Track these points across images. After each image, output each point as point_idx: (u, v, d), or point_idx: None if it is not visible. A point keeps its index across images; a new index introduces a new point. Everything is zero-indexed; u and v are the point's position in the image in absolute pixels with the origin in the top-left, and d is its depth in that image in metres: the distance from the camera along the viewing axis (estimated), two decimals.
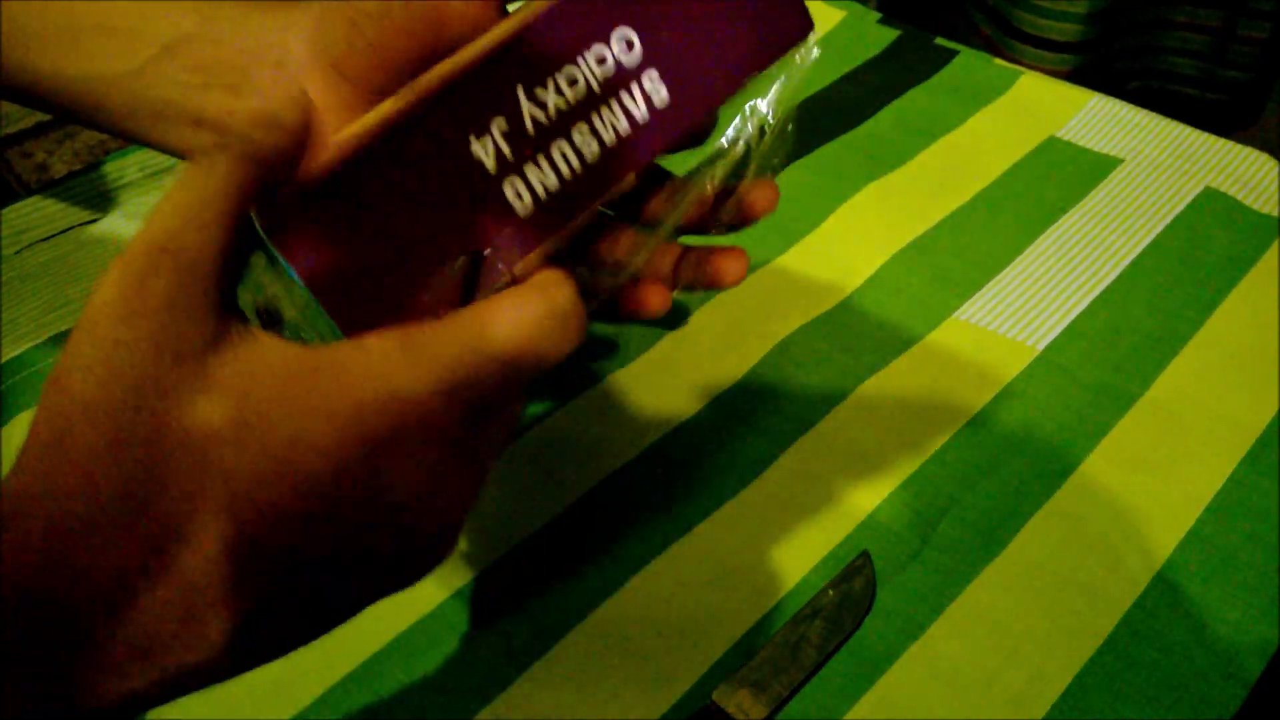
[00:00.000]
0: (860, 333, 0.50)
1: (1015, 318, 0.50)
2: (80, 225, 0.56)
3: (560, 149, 0.29)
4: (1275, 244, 0.54)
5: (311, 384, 0.24)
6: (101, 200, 0.57)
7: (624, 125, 0.29)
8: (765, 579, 0.40)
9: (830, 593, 0.39)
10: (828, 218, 0.56)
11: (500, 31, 0.28)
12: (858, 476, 0.43)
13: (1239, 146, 0.60)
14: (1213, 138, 0.60)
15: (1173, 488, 0.43)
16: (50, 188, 0.58)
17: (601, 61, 0.29)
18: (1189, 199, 0.56)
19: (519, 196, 0.28)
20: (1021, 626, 0.39)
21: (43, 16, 0.34)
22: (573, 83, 0.29)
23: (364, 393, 0.24)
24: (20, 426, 0.46)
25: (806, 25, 0.31)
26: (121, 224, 0.56)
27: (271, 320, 0.29)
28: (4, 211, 0.56)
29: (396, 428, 0.24)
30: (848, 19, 0.71)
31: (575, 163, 0.29)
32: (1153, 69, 1.31)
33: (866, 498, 0.43)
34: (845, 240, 0.55)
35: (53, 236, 0.55)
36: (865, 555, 0.40)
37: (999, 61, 0.67)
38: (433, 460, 0.25)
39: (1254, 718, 0.36)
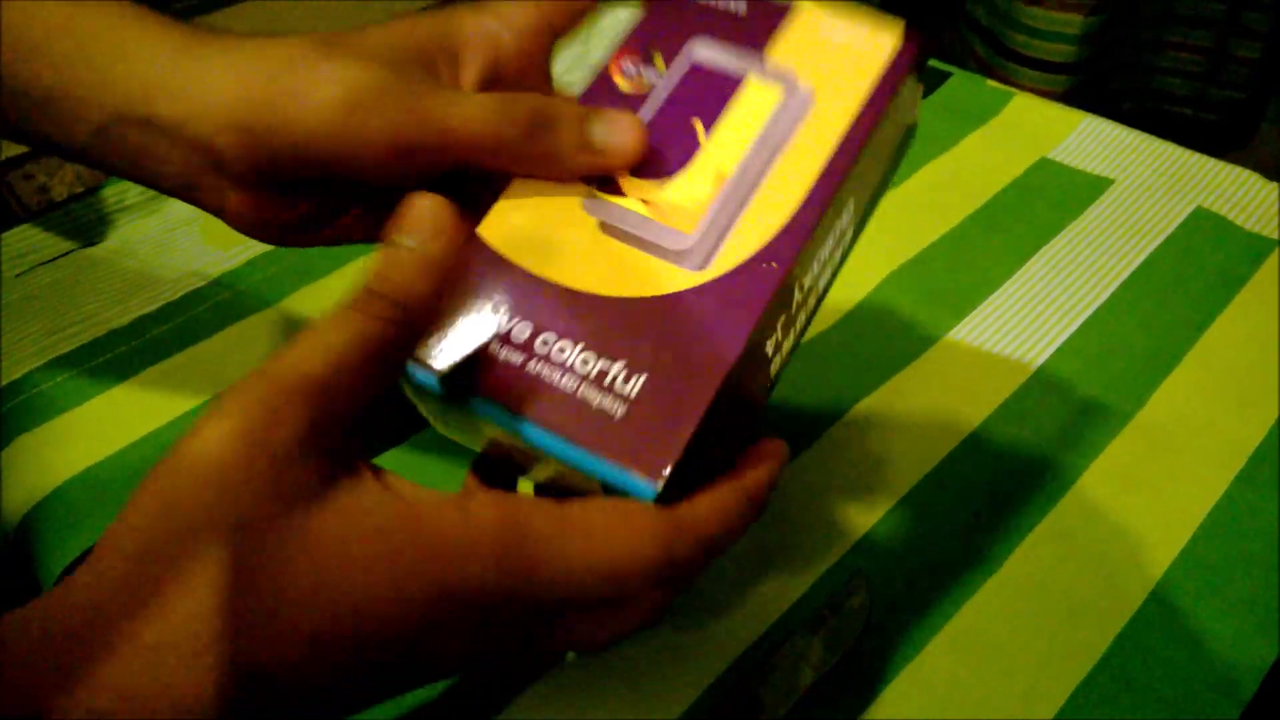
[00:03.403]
0: (855, 352, 0.50)
1: (1009, 337, 0.51)
2: (81, 248, 0.56)
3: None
4: (1266, 263, 0.54)
5: (400, 552, 0.25)
6: (102, 223, 0.58)
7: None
8: (762, 597, 0.40)
9: (827, 611, 0.39)
10: None
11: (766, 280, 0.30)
12: (853, 495, 0.44)
13: (1229, 166, 0.60)
14: (1203, 158, 0.61)
15: (1167, 505, 0.43)
16: (51, 210, 0.58)
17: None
18: (1180, 219, 0.57)
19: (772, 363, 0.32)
20: (1017, 644, 0.39)
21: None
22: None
23: (447, 575, 0.25)
24: (20, 449, 0.46)
25: None
26: (121, 247, 0.56)
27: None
28: (5, 234, 0.56)
29: (464, 614, 0.25)
30: None
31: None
32: (1147, 89, 1.32)
33: (862, 516, 0.43)
34: None
35: (54, 259, 0.55)
36: (861, 574, 0.40)
37: (991, 83, 0.68)
38: (490, 639, 0.26)
39: None
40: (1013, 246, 0.56)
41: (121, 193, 0.59)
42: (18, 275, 0.54)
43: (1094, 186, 0.59)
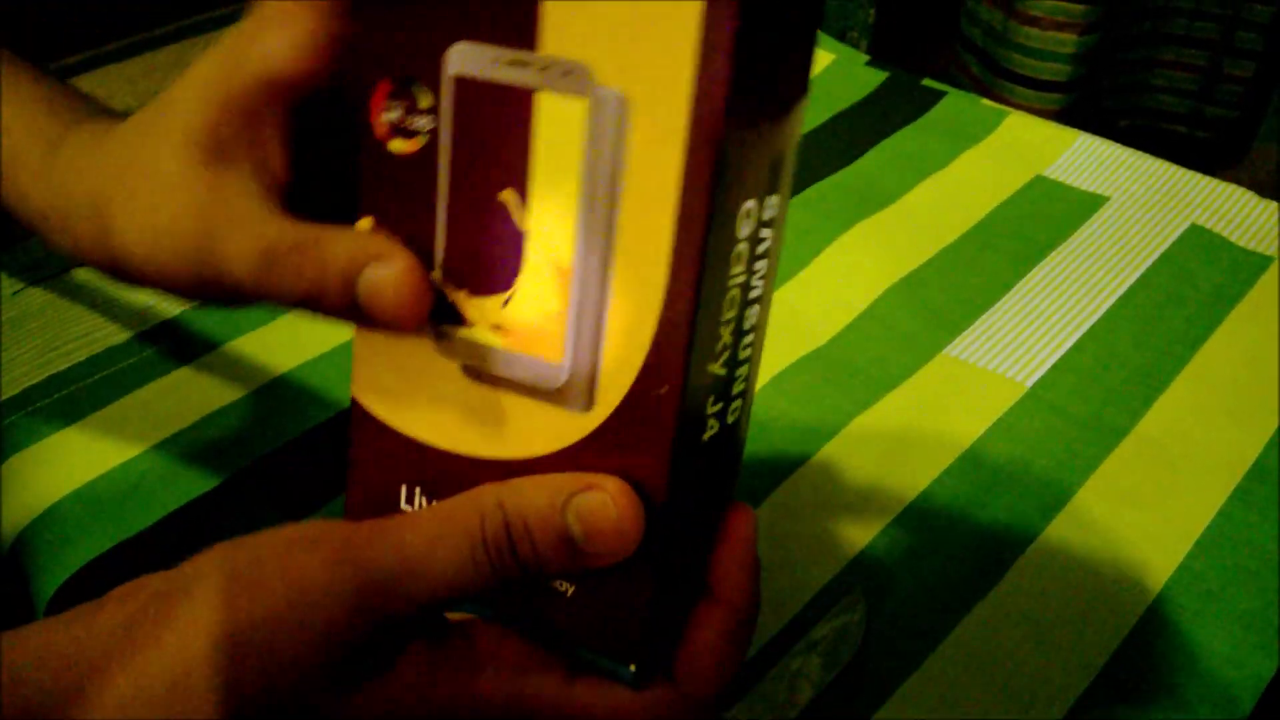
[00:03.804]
0: (851, 369, 0.50)
1: (1004, 354, 0.51)
2: (79, 265, 0.56)
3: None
4: (1261, 280, 0.54)
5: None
6: None
7: None
8: (759, 614, 0.40)
9: (824, 629, 0.39)
10: (819, 255, 0.56)
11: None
12: (850, 512, 0.44)
13: (1222, 184, 0.61)
14: (1197, 175, 0.61)
15: (1163, 522, 0.43)
16: None
17: None
18: (1175, 236, 0.57)
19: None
20: (1014, 660, 0.39)
21: None
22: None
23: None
24: (18, 465, 0.46)
25: None
26: None
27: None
28: (3, 253, 0.57)
29: None
30: (837, 61, 0.72)
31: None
32: (1142, 107, 1.33)
33: (859, 533, 0.43)
34: (836, 277, 0.55)
35: (52, 277, 0.55)
36: (858, 591, 0.40)
37: (986, 101, 0.68)
38: None
39: None
40: (1008, 263, 0.56)
41: None
42: (15, 294, 0.54)
43: (1089, 204, 0.60)
